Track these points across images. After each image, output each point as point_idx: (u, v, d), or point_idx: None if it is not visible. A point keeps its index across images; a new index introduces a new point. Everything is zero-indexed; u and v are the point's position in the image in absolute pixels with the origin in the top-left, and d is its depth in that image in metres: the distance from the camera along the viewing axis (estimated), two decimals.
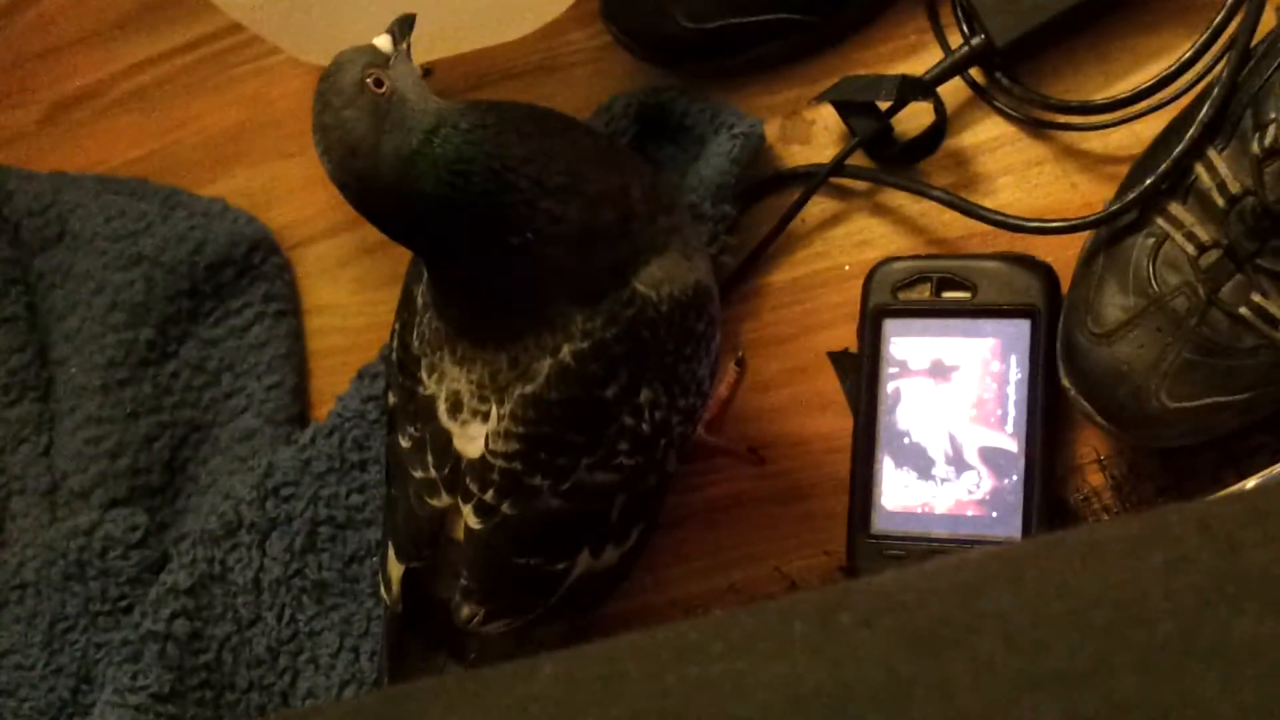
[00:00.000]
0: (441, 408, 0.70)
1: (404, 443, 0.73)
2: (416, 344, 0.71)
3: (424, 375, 0.71)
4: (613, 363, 0.67)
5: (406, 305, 0.73)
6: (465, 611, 0.73)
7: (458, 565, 0.72)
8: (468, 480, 0.70)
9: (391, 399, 0.75)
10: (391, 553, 0.75)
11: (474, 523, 0.71)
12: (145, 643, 0.84)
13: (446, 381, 0.70)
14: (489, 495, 0.70)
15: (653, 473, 0.72)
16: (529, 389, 0.68)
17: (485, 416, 0.69)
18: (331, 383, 0.91)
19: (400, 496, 0.74)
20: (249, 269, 0.94)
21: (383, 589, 0.76)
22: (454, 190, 0.62)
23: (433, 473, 0.71)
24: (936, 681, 0.29)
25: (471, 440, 0.70)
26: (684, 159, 0.86)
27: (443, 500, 0.72)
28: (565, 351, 0.67)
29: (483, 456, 0.69)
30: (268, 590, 0.85)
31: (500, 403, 0.68)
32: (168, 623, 0.84)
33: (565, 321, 0.66)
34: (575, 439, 0.69)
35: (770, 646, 0.34)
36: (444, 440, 0.71)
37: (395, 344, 0.74)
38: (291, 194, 0.97)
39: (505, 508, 0.70)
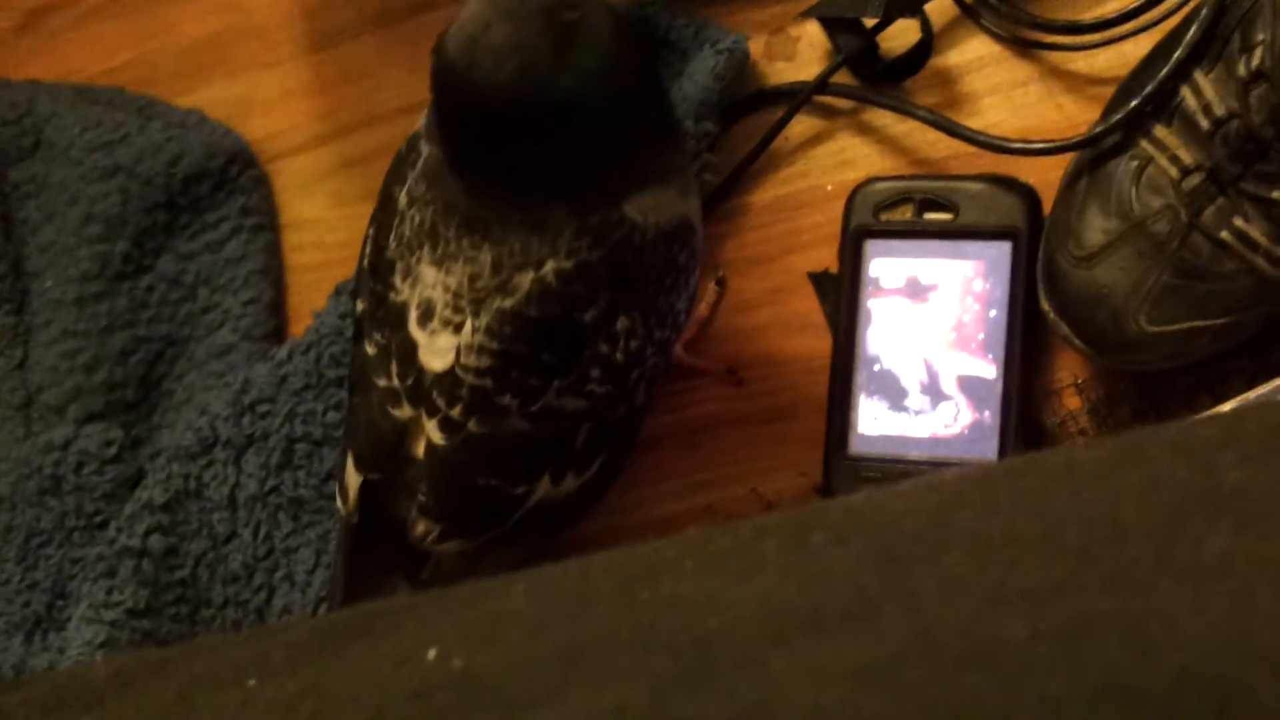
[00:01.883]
0: (412, 315, 0.70)
1: (369, 349, 0.72)
2: (393, 246, 0.71)
3: (397, 280, 0.70)
4: (595, 285, 0.67)
5: (385, 207, 0.73)
6: (421, 528, 0.72)
7: (416, 481, 0.72)
8: (434, 394, 0.70)
9: (360, 305, 0.74)
10: (350, 462, 0.74)
11: (437, 438, 0.70)
12: (121, 558, 0.84)
13: (420, 287, 0.69)
14: (455, 411, 0.69)
15: (622, 403, 0.72)
16: (508, 303, 0.67)
17: (458, 328, 0.68)
18: (309, 298, 0.91)
19: (362, 405, 0.73)
20: (226, 182, 0.93)
21: (339, 499, 0.76)
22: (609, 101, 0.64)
23: (396, 382, 0.71)
24: (905, 596, 0.29)
25: (439, 352, 0.69)
26: (667, 74, 0.85)
27: (405, 412, 0.71)
28: (549, 268, 0.67)
29: (452, 370, 0.69)
30: (244, 507, 0.85)
31: (476, 314, 0.68)
32: (143, 538, 0.84)
33: (555, 230, 0.66)
34: (549, 360, 0.69)
35: (742, 564, 0.34)
36: (409, 349, 0.70)
37: (369, 249, 0.74)
38: (270, 106, 0.96)
39: (472, 425, 0.70)
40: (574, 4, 0.62)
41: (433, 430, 0.70)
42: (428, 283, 0.69)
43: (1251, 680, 0.24)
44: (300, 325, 0.92)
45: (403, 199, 0.71)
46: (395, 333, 0.71)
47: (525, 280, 0.67)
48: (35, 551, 0.89)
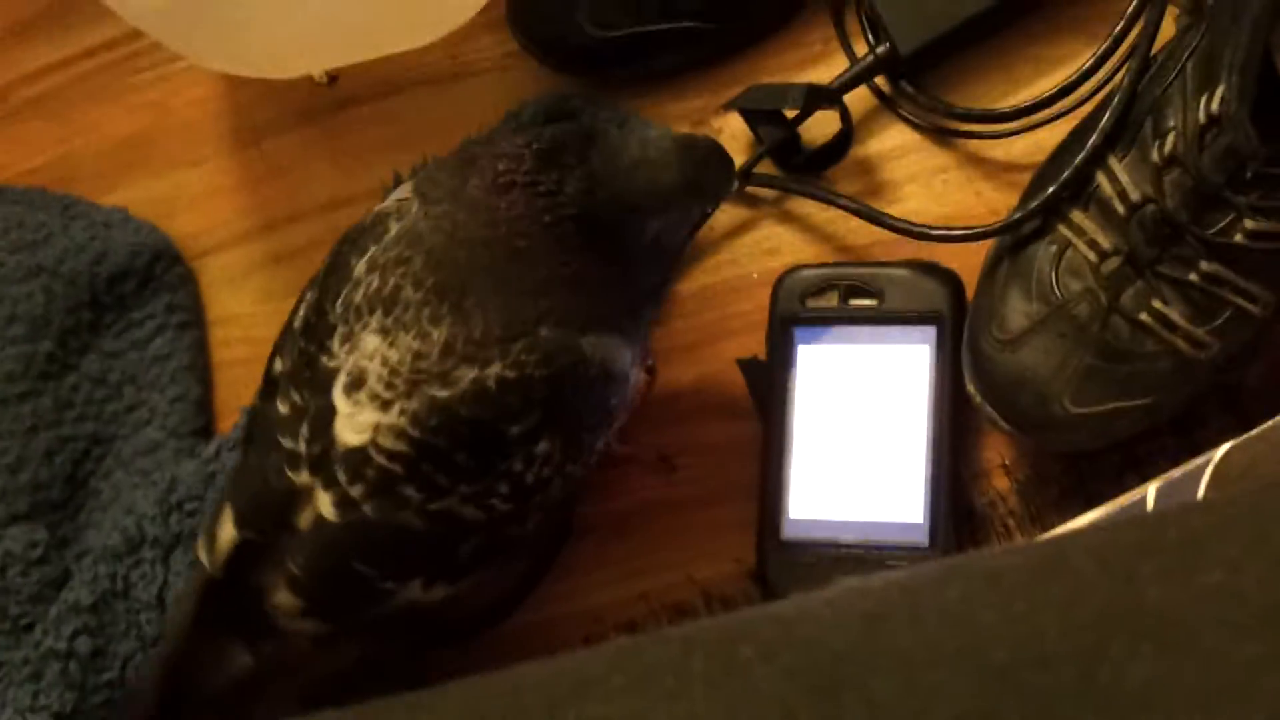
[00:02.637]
0: (340, 381, 0.68)
1: (281, 408, 0.70)
2: (338, 310, 0.69)
3: (334, 344, 0.69)
4: (530, 402, 0.67)
5: (334, 272, 0.71)
6: (282, 600, 0.71)
7: (290, 551, 0.70)
8: (338, 467, 0.68)
9: (279, 365, 0.73)
10: (229, 517, 0.72)
11: (328, 513, 0.69)
12: (47, 661, 0.82)
13: (356, 355, 0.68)
14: (356, 490, 0.68)
15: (516, 524, 0.72)
16: (442, 395, 0.66)
17: (386, 406, 0.67)
18: (236, 394, 0.90)
19: (255, 463, 0.72)
20: (151, 279, 0.93)
21: (202, 549, 0.73)
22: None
23: (302, 447, 0.69)
24: None
25: (357, 427, 0.67)
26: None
27: (302, 478, 0.69)
28: (493, 370, 0.66)
29: (365, 448, 0.67)
30: (172, 606, 0.84)
31: (407, 397, 0.66)
32: (69, 641, 0.82)
33: (515, 333, 0.66)
34: (465, 463, 0.68)
35: (670, 683, 0.34)
36: (327, 417, 0.68)
37: (304, 311, 0.72)
38: (194, 203, 0.96)
39: (368, 508, 0.68)
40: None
41: (325, 504, 0.69)
42: (366, 352, 0.67)
43: None
44: (228, 421, 0.91)
45: (360, 266, 0.69)
46: (316, 396, 0.69)
47: (466, 376, 0.66)
48: None
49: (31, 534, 0.88)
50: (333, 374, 0.68)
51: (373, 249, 0.69)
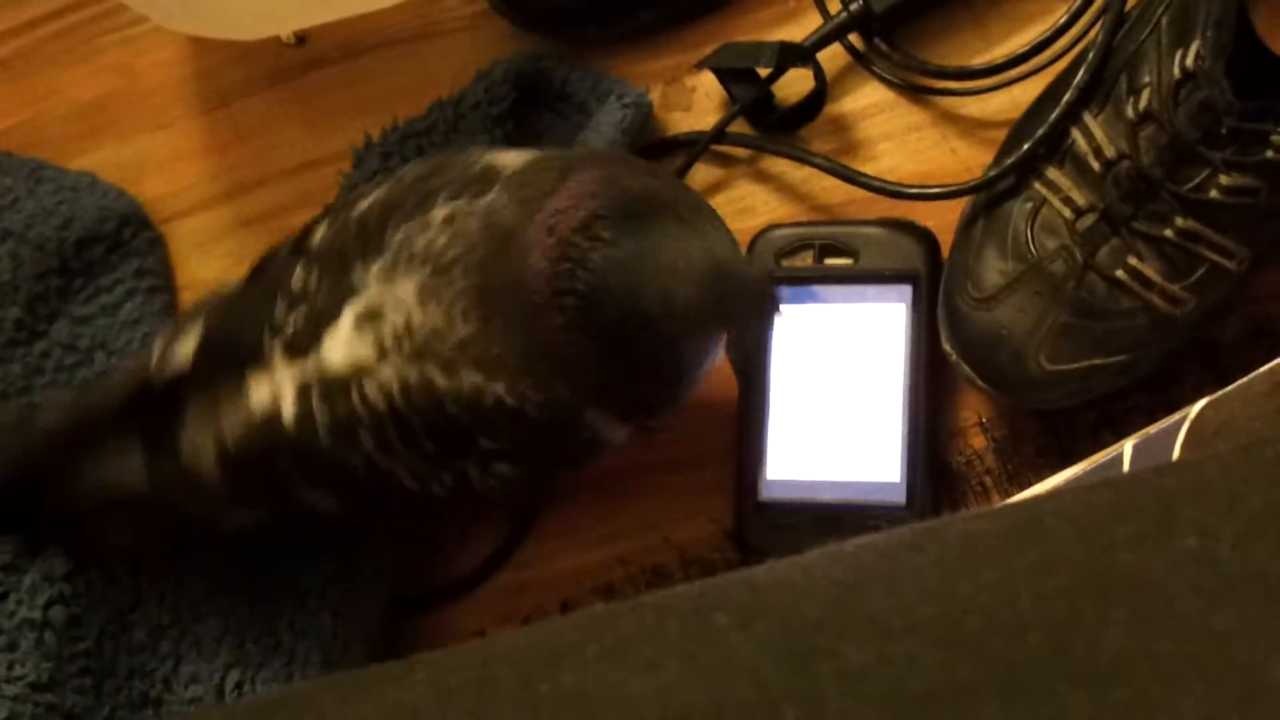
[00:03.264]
0: (357, 303, 0.67)
1: (296, 277, 0.70)
2: (398, 237, 0.67)
3: (376, 264, 0.67)
4: (513, 433, 0.67)
5: (417, 196, 0.68)
6: (206, 462, 0.72)
7: (230, 418, 0.71)
8: (312, 376, 0.68)
9: (318, 234, 0.71)
10: (196, 333, 0.73)
11: (288, 415, 0.69)
12: (21, 631, 0.82)
13: (387, 292, 0.66)
14: (322, 413, 0.68)
15: (439, 490, 0.71)
16: (440, 382, 0.65)
17: (383, 356, 0.66)
18: None
19: (246, 306, 0.71)
20: (120, 244, 0.92)
21: (156, 348, 0.74)
22: None
23: (289, 328, 0.69)
24: (806, 697, 0.28)
25: (345, 355, 0.67)
26: (564, 127, 0.85)
27: (273, 352, 0.69)
28: (495, 388, 0.65)
29: (348, 380, 0.67)
30: (147, 575, 0.83)
31: (408, 363, 0.65)
32: (44, 610, 0.82)
33: (528, 372, 0.65)
34: (428, 447, 0.68)
35: (645, 653, 0.33)
36: (324, 322, 0.67)
37: (370, 205, 0.70)
38: (162, 167, 0.95)
39: (323, 434, 0.68)
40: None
41: (287, 400, 0.68)
42: (397, 296, 0.65)
43: None
44: None
45: (441, 211, 0.67)
46: (329, 294, 0.68)
47: (470, 380, 0.65)
48: None
49: None
50: (355, 290, 0.67)
51: (459, 203, 0.66)
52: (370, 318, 0.66)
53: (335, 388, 0.67)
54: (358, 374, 0.66)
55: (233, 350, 0.71)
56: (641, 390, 0.69)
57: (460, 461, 0.68)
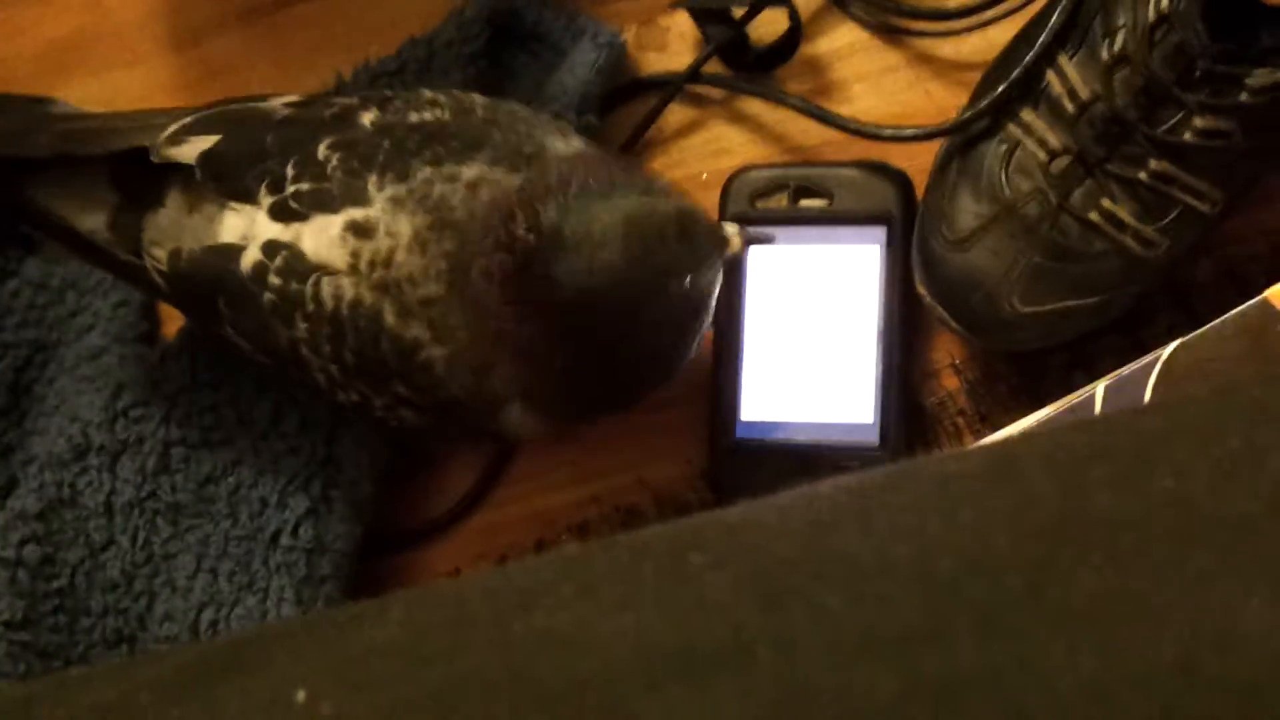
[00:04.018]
0: (356, 208, 0.68)
1: (321, 145, 0.70)
2: (424, 170, 0.68)
3: (390, 180, 0.68)
4: (433, 395, 0.69)
5: (463, 139, 0.69)
6: (152, 241, 0.74)
7: (189, 232, 0.72)
8: (284, 244, 0.69)
9: (366, 120, 0.71)
10: (212, 140, 0.73)
11: (246, 267, 0.70)
12: None
13: (387, 214, 0.67)
14: (274, 274, 0.69)
15: (339, 400, 0.73)
16: (389, 320, 0.67)
17: (352, 272, 0.67)
18: None
19: (268, 148, 0.71)
20: None
21: (172, 129, 0.74)
22: None
23: (288, 189, 0.69)
24: (779, 638, 0.29)
25: (320, 248, 0.68)
26: (537, 66, 0.84)
27: (263, 200, 0.70)
28: (435, 352, 0.67)
29: (311, 269, 0.68)
30: (120, 513, 0.83)
31: (372, 290, 0.67)
32: (17, 549, 0.82)
33: (469, 351, 0.67)
34: (347, 359, 0.69)
35: (618, 592, 0.34)
36: (313, 206, 0.68)
37: (425, 118, 0.71)
38: (132, 105, 0.93)
39: (266, 295, 0.69)
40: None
41: (255, 243, 0.70)
42: (394, 224, 0.67)
43: None
44: (173, 327, 0.90)
45: (473, 170, 0.68)
46: (337, 183, 0.68)
47: (414, 332, 0.67)
48: None
49: None
50: (360, 197, 0.68)
51: (492, 172, 0.67)
52: (360, 231, 0.67)
53: (298, 265, 0.68)
54: (321, 269, 0.67)
55: (231, 178, 0.71)
56: (594, 396, 0.70)
57: (370, 390, 0.70)
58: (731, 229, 0.67)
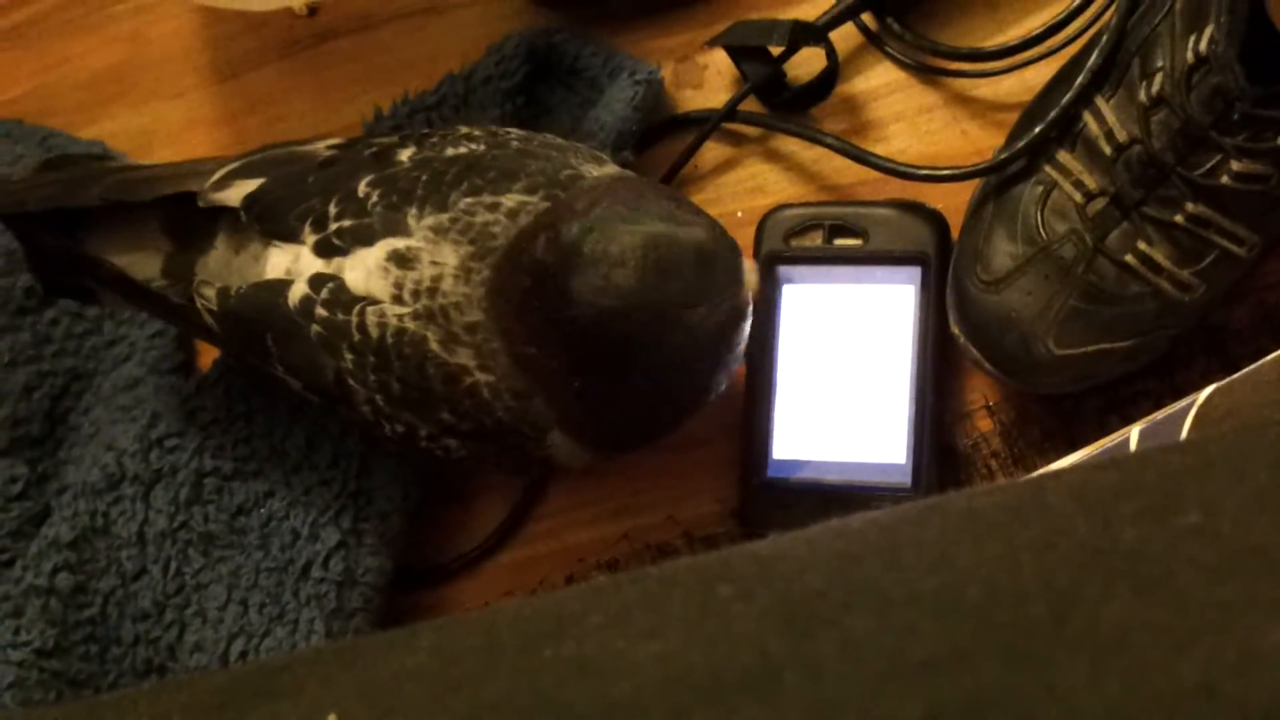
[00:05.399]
0: (395, 239, 0.69)
1: (362, 182, 0.71)
2: (463, 201, 0.68)
3: (430, 211, 0.68)
4: (478, 420, 0.69)
5: (514, 164, 0.70)
6: (203, 281, 0.75)
7: (236, 270, 0.74)
8: (329, 277, 0.70)
9: (404, 157, 0.72)
10: (255, 184, 0.74)
11: (294, 300, 0.70)
12: (27, 597, 0.82)
13: (429, 245, 0.68)
14: (322, 306, 0.70)
15: (384, 433, 0.73)
16: (434, 347, 0.67)
17: (396, 300, 0.68)
18: None
19: (311, 188, 0.73)
20: None
21: (219, 174, 0.76)
22: None
23: (331, 226, 0.70)
24: (807, 665, 0.28)
25: (362, 280, 0.69)
26: (575, 102, 0.85)
27: (305, 242, 0.71)
28: (480, 377, 0.67)
29: (356, 299, 0.69)
30: (153, 543, 0.84)
31: (416, 319, 0.67)
32: (50, 577, 0.82)
33: (512, 374, 0.67)
34: (394, 388, 0.69)
35: (648, 621, 0.33)
36: (355, 240, 0.69)
37: (459, 152, 0.72)
38: (173, 136, 0.95)
39: (314, 328, 0.70)
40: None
41: (302, 278, 0.70)
42: (438, 253, 0.68)
43: None
44: (208, 358, 0.91)
45: (513, 199, 0.68)
46: (378, 216, 0.69)
47: (460, 359, 0.67)
48: None
49: (11, 469, 0.88)
50: (400, 229, 0.69)
51: (530, 199, 0.68)
52: (402, 261, 0.68)
53: (342, 297, 0.69)
54: (366, 300, 0.68)
55: (275, 219, 0.72)
56: (619, 425, 0.70)
57: (417, 418, 0.70)
58: (750, 267, 0.66)
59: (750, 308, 0.69)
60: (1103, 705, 0.25)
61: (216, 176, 0.75)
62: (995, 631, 0.28)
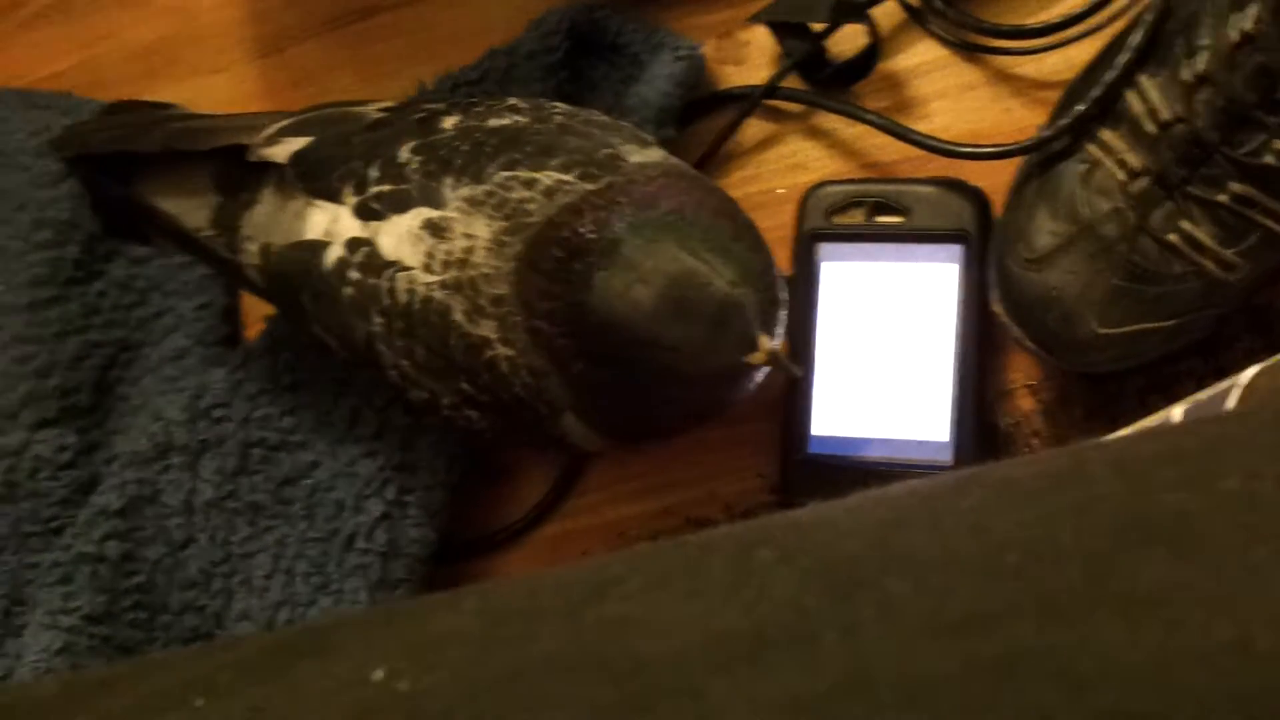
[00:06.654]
0: (431, 209, 0.69)
1: (404, 147, 0.72)
2: (499, 174, 0.69)
3: (466, 180, 0.69)
4: (496, 394, 0.69)
5: (550, 144, 0.70)
6: (247, 237, 0.76)
7: (278, 228, 0.75)
8: (364, 240, 0.71)
9: (448, 124, 0.73)
10: (305, 140, 0.76)
11: (329, 263, 0.72)
12: (77, 564, 0.83)
13: (463, 215, 0.68)
14: (354, 269, 0.71)
15: (411, 399, 0.74)
16: (458, 317, 0.68)
17: (426, 269, 0.68)
18: (261, 303, 0.90)
19: (355, 150, 0.74)
20: None
21: (271, 129, 0.77)
22: None
23: (371, 189, 0.71)
24: (845, 624, 0.29)
25: (395, 245, 0.70)
26: (616, 78, 0.85)
27: (344, 203, 0.72)
28: (501, 351, 0.68)
29: (387, 264, 0.70)
30: (200, 512, 0.85)
31: (444, 288, 0.68)
32: (99, 544, 0.83)
33: (529, 350, 0.67)
34: (418, 353, 0.70)
35: (688, 584, 0.34)
36: (390, 207, 0.70)
37: (510, 121, 0.72)
38: (218, 109, 0.95)
39: (346, 290, 0.71)
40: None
41: (339, 240, 0.72)
42: (470, 224, 0.68)
43: (1178, 718, 0.25)
44: (254, 330, 0.92)
45: (549, 175, 0.68)
46: (415, 184, 0.70)
47: (483, 330, 0.68)
48: None
49: (61, 438, 0.89)
50: (435, 195, 0.69)
51: (567, 178, 0.68)
52: (435, 230, 0.69)
53: (375, 261, 0.70)
54: (397, 265, 0.69)
55: (318, 177, 0.74)
56: (629, 418, 0.71)
57: (438, 386, 0.71)
58: (765, 342, 0.63)
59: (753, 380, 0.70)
60: (1139, 659, 0.26)
61: (268, 131, 0.76)
62: (1032, 591, 0.29)
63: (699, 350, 0.63)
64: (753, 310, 0.63)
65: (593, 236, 0.64)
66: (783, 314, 0.67)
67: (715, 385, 0.69)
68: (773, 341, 0.64)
